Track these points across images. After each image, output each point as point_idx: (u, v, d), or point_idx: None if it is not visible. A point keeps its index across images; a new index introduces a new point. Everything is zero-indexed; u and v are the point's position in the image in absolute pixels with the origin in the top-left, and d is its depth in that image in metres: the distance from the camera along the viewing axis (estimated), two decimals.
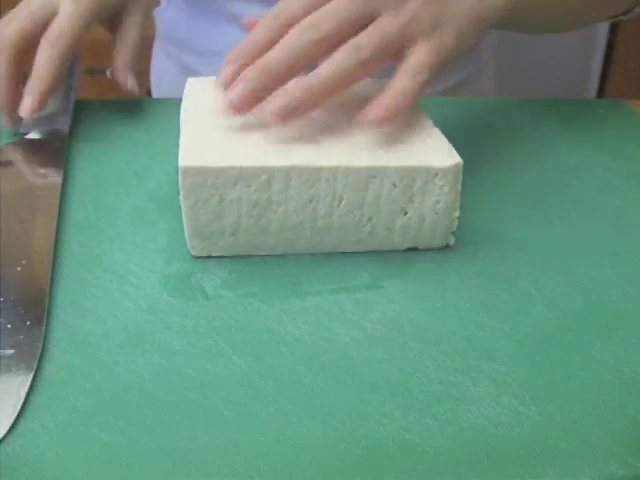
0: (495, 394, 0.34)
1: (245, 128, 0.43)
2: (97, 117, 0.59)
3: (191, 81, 0.50)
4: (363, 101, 0.46)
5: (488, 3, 0.47)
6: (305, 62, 0.42)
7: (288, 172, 0.40)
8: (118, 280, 0.40)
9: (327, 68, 0.42)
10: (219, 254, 0.42)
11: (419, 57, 0.43)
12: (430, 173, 0.41)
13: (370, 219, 0.42)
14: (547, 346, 0.37)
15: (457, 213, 0.42)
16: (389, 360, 0.36)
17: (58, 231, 0.44)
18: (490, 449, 0.31)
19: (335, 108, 0.46)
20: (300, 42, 0.42)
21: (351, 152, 0.41)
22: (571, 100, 0.65)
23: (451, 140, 0.43)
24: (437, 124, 0.45)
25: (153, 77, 0.85)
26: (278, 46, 0.42)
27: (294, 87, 0.41)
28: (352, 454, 0.31)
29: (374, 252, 0.43)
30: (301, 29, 0.42)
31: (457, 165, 0.41)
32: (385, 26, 0.43)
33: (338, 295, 0.40)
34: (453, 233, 0.43)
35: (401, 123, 0.45)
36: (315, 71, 0.42)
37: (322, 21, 0.42)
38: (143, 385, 0.34)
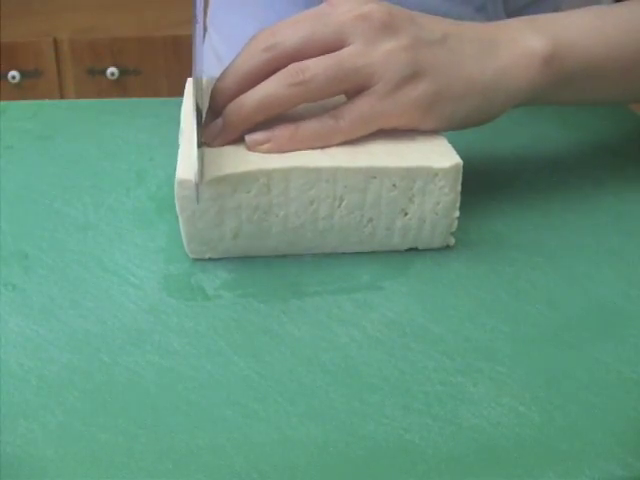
0: (495, 394, 0.34)
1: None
2: (97, 117, 0.59)
3: (191, 81, 0.50)
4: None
5: (507, 79, 0.44)
6: (282, 110, 0.41)
7: (287, 174, 0.40)
8: (118, 280, 0.40)
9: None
10: (218, 257, 0.42)
11: (360, 103, 0.41)
12: (430, 174, 0.41)
13: (370, 220, 0.42)
14: (547, 346, 0.37)
15: (457, 214, 0.42)
16: (389, 360, 0.36)
17: (58, 231, 0.44)
18: (490, 449, 0.31)
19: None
20: (283, 94, 0.41)
21: (351, 153, 0.41)
22: None
23: (451, 140, 0.43)
24: None
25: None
26: (256, 90, 0.41)
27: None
28: (352, 454, 0.31)
29: (374, 252, 0.43)
30: (288, 81, 0.40)
31: (457, 165, 0.41)
32: (346, 56, 0.41)
33: (338, 295, 0.40)
34: (453, 233, 0.43)
35: None
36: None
37: (312, 79, 0.40)
38: (143, 385, 0.34)
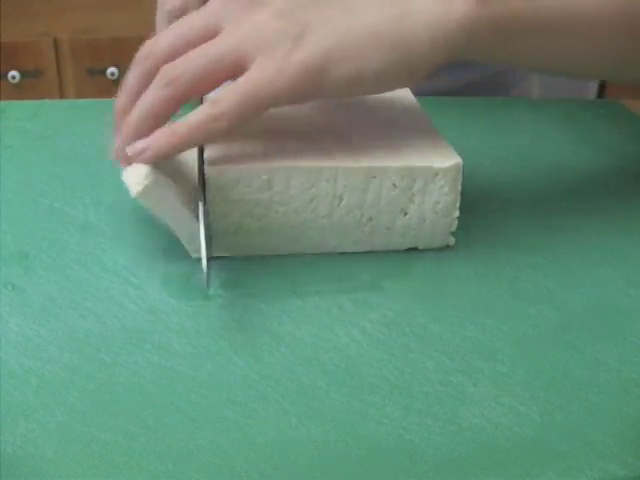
0: (495, 394, 0.34)
1: (244, 128, 0.43)
2: (97, 117, 0.59)
3: None
4: (364, 102, 0.46)
5: (423, 24, 0.38)
6: (168, 114, 0.39)
7: (288, 172, 0.40)
8: (118, 280, 0.40)
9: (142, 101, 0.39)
10: (218, 255, 0.42)
11: (240, 82, 0.38)
12: (430, 173, 0.41)
13: (370, 219, 0.42)
14: (547, 346, 0.37)
15: (457, 213, 0.42)
16: (389, 360, 0.36)
17: (58, 231, 0.44)
18: (490, 449, 0.31)
19: (335, 109, 0.46)
20: (159, 97, 0.39)
21: (351, 152, 0.41)
22: (571, 100, 0.65)
23: (451, 140, 0.43)
24: (437, 124, 0.45)
25: None
26: (138, 103, 0.40)
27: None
28: (352, 454, 0.31)
29: (374, 252, 0.43)
30: (160, 83, 0.39)
31: (457, 165, 0.41)
32: (216, 41, 0.39)
33: (338, 295, 0.40)
34: (453, 233, 0.43)
35: (401, 124, 0.45)
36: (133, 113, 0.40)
37: (182, 74, 0.38)
38: (143, 385, 0.34)
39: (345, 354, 0.36)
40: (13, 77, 1.41)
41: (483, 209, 0.48)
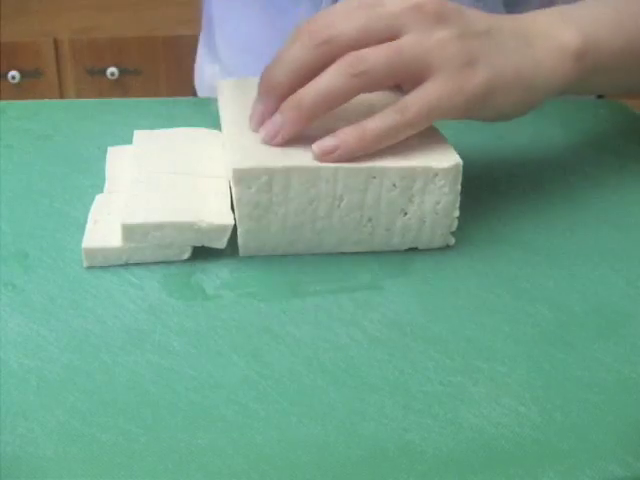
0: (495, 394, 0.34)
1: (245, 129, 0.43)
2: (97, 117, 0.59)
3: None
4: (365, 106, 0.45)
5: (545, 72, 0.45)
6: (342, 102, 0.41)
7: (288, 173, 0.40)
8: (118, 280, 0.40)
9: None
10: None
11: (424, 92, 0.41)
12: (430, 173, 0.41)
13: (370, 220, 0.42)
14: (547, 346, 0.37)
15: (457, 213, 0.42)
16: (389, 360, 0.36)
17: (58, 231, 0.44)
18: (490, 449, 0.31)
19: (336, 110, 0.46)
20: (346, 86, 0.40)
21: None
22: (571, 100, 0.65)
23: (451, 140, 0.43)
24: (437, 124, 0.45)
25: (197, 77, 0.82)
26: (315, 84, 0.40)
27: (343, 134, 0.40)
28: (352, 454, 0.31)
29: (374, 252, 0.43)
30: (347, 71, 0.39)
31: (457, 165, 0.41)
32: (405, 45, 0.40)
33: (338, 295, 0.40)
34: (453, 233, 0.43)
35: None
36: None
37: (372, 68, 0.39)
38: (143, 385, 0.34)
39: (345, 354, 0.36)
40: (13, 77, 1.41)
41: (483, 209, 0.48)
